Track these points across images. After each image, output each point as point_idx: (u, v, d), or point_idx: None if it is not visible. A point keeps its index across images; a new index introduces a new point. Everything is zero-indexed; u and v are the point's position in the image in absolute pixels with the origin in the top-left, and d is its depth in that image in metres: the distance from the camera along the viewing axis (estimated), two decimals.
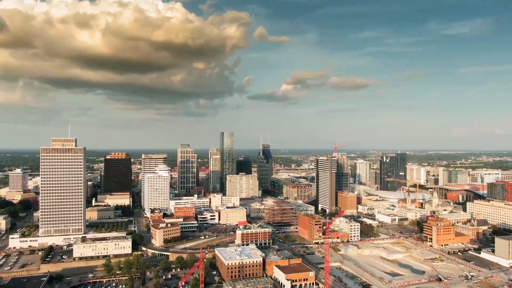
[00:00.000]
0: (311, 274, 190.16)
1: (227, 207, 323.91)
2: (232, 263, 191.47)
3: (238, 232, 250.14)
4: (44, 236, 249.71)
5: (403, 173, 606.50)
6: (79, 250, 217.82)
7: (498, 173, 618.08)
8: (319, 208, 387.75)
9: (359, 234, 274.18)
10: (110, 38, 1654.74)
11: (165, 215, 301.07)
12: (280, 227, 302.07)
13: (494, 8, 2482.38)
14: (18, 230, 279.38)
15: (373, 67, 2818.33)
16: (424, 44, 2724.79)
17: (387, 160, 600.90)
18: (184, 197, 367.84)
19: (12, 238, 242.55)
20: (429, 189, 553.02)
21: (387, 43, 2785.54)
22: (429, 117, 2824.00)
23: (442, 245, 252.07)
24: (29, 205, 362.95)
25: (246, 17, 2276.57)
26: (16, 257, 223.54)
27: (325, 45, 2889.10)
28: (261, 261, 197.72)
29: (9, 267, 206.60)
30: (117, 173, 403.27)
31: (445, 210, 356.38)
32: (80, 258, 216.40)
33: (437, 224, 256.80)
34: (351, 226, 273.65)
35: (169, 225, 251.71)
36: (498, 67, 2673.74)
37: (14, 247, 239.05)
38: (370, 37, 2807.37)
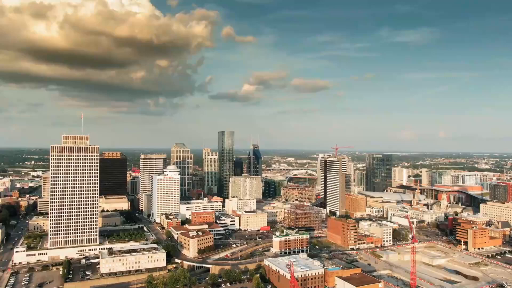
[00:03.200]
0: (380, 285, 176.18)
1: (246, 212, 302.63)
2: (295, 276, 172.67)
3: (276, 240, 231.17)
4: (54, 248, 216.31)
5: (384, 174, 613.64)
6: (107, 265, 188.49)
7: (477, 174, 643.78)
8: (328, 211, 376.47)
9: (391, 239, 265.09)
10: (68, 31, 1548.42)
11: (183, 222, 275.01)
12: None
13: (440, 19, 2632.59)
14: (14, 242, 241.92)
15: (330, 70, 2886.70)
16: (377, 50, 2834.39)
17: (374, 162, 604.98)
18: (193, 201, 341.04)
19: (18, 251, 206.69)
20: (415, 190, 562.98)
21: (343, 47, 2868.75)
22: (380, 119, 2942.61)
23: (477, 249, 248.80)
24: (14, 210, 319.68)
25: (215, 16, 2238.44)
26: (28, 274, 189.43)
27: (284, 47, 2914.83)
28: (323, 273, 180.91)
29: (24, 287, 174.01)
30: (112, 175, 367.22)
31: (455, 211, 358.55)
32: (109, 274, 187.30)
33: (473, 227, 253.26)
34: (384, 230, 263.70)
35: (200, 233, 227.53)
36: (442, 73, 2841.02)
37: (20, 262, 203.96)
38: (326, 41, 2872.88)
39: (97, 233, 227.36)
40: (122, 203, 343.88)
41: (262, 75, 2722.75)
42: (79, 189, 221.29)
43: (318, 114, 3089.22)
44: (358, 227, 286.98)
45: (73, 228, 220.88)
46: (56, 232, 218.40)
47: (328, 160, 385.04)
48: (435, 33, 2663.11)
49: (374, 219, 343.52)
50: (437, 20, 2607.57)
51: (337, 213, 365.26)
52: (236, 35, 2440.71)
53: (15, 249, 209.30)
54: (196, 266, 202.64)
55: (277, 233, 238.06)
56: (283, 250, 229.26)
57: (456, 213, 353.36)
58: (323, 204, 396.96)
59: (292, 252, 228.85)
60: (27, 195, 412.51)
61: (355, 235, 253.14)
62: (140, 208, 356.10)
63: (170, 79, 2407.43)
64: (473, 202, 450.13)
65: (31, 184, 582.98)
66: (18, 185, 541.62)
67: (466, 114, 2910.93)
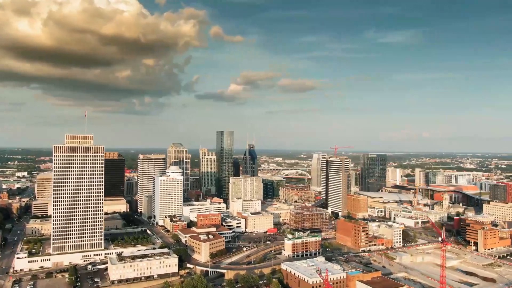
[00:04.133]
0: None
1: (252, 213, 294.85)
2: (317, 281, 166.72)
3: (288, 242, 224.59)
4: (58, 253, 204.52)
5: (378, 174, 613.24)
6: (118, 271, 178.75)
7: (470, 174, 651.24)
8: (330, 212, 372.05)
9: (401, 240, 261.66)
10: (52, 28, 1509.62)
11: (188, 225, 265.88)
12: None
13: (425, 21, 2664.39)
14: (13, 247, 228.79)
15: (317, 71, 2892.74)
16: (363, 51, 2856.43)
17: (368, 162, 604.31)
18: (195, 202, 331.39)
19: (19, 258, 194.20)
20: (411, 190, 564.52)
21: (330, 48, 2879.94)
22: (367, 119, 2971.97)
23: (487, 249, 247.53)
24: (7, 213, 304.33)
25: (204, 15, 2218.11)
26: (31, 282, 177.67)
27: (272, 47, 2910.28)
28: (345, 277, 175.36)
29: None
30: (109, 176, 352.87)
31: (457, 211, 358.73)
32: (120, 281, 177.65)
33: (483, 228, 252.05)
34: (394, 231, 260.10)
35: (210, 236, 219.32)
36: (428, 75, 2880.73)
37: (21, 269, 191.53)
38: (313, 42, 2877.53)
39: (102, 237, 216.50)
40: (120, 205, 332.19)
41: (250, 75, 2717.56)
42: (83, 191, 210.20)
43: (305, 114, 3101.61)
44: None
45: (77, 232, 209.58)
46: (59, 237, 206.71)
47: (330, 160, 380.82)
48: (419, 35, 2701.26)
49: (377, 220, 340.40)
50: (420, 22, 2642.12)
51: (340, 214, 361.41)
52: (225, 35, 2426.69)
53: (16, 255, 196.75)
54: (210, 271, 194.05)
55: (289, 236, 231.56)
56: (295, 253, 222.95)
57: (458, 213, 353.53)
58: (324, 205, 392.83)
59: (305, 255, 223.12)
60: (17, 197, 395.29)
61: (366, 237, 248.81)
62: (139, 210, 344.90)
63: (156, 78, 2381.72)
64: (469, 202, 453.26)
65: (18, 185, 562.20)
66: (4, 186, 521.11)
67: (450, 115, 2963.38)
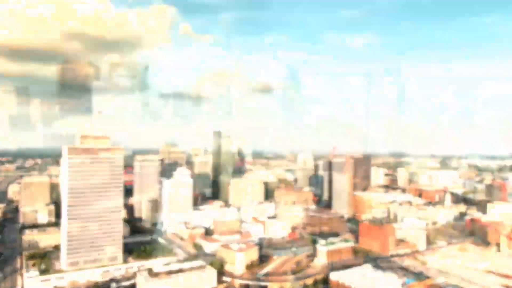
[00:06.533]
0: None
1: (269, 218, 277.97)
2: None
3: (322, 249, 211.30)
4: (73, 270, 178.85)
5: (362, 174, 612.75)
6: None
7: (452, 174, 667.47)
8: None
9: (425, 243, 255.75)
10: (8, 21, 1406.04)
11: (207, 233, 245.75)
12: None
13: (383, 26, 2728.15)
14: (13, 263, 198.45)
15: (282, 71, 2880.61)
16: (323, 53, 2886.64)
17: (353, 161, 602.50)
18: (201, 207, 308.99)
19: (29, 277, 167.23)
20: (397, 189, 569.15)
21: (291, 49, 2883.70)
22: (325, 120, 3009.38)
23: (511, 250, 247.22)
24: None
25: (173, 12, 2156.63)
26: None
27: (237, 46, 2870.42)
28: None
29: None
30: None
31: (460, 211, 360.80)
32: None
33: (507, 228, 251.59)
34: (418, 234, 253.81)
35: (242, 245, 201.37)
36: (385, 78, 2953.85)
37: None
38: (274, 43, 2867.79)
39: (121, 249, 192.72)
40: None
41: (215, 74, 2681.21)
42: (101, 197, 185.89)
43: (267, 115, 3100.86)
44: None
45: (94, 244, 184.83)
46: (73, 250, 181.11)
47: (334, 161, 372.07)
48: (377, 38, 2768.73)
49: (382, 222, 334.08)
50: (382, 26, 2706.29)
51: (345, 215, 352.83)
52: (194, 33, 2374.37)
53: (26, 274, 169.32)
54: (251, 284, 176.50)
55: (322, 242, 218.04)
56: (329, 260, 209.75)
57: (461, 213, 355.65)
58: (326, 207, 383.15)
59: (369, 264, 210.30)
60: None
61: (394, 241, 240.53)
62: (136, 216, 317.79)
63: (120, 76, 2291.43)
64: (458, 201, 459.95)
65: None
66: None
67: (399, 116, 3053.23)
